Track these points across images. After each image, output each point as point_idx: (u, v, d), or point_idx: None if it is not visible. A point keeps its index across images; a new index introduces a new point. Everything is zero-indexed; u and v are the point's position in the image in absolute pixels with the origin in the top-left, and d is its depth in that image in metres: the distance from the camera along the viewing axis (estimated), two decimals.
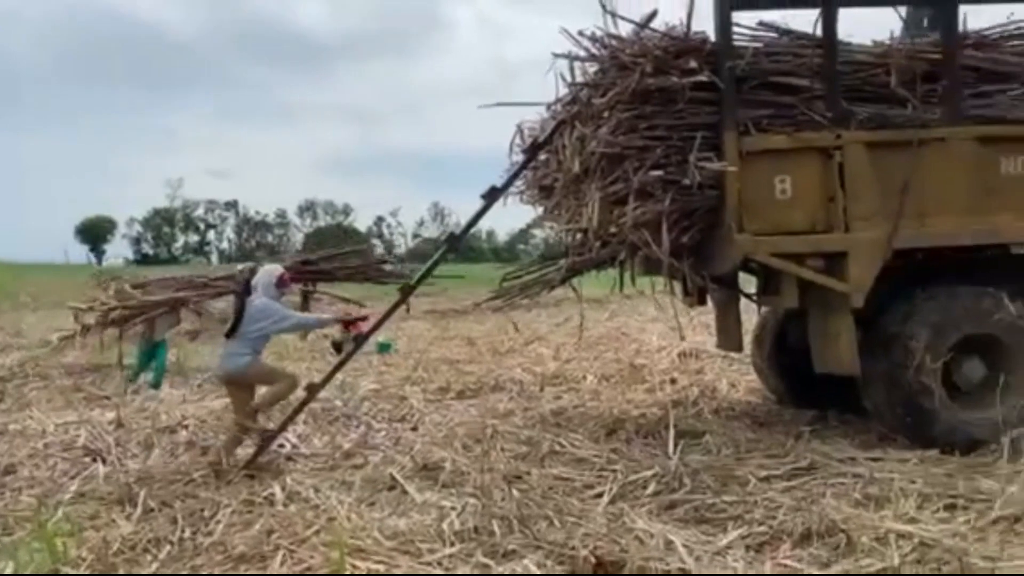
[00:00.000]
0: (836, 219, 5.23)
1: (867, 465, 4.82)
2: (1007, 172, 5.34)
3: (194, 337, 13.61)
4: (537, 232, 6.92)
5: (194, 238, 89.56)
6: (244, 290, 5.81)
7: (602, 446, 5.59)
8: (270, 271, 5.88)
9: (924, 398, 5.15)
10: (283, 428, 5.76)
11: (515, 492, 4.45)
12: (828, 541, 3.74)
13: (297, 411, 5.82)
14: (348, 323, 6.14)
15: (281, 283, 5.81)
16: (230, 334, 5.63)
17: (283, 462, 5.64)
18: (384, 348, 11.36)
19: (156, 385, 8.91)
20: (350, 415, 7.01)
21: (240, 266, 8.90)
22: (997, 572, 3.34)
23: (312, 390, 5.75)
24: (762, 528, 3.95)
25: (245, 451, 5.60)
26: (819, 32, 5.36)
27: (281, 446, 5.90)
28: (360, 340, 6.15)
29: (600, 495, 4.58)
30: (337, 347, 10.83)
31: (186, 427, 6.58)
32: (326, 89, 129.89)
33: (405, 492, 4.79)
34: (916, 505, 4.14)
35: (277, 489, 4.81)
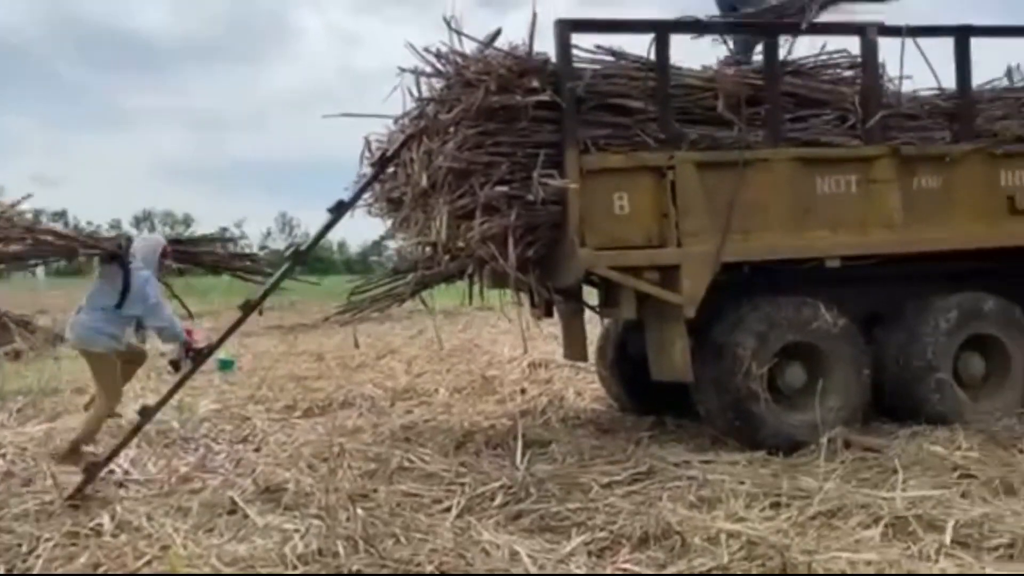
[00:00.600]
0: (670, 234, 5.49)
1: (700, 468, 5.07)
2: (822, 191, 5.78)
3: (16, 357, 12.60)
4: (390, 244, 6.88)
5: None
6: (121, 258, 5.31)
7: (451, 460, 5.60)
8: (152, 241, 5.45)
9: (751, 403, 5.48)
10: (114, 455, 5.42)
11: (361, 511, 4.38)
12: (664, 543, 3.91)
13: (130, 436, 5.50)
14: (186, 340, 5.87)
15: (164, 255, 5.41)
16: (120, 305, 5.18)
17: (113, 490, 5.31)
18: (226, 366, 10.91)
19: None
20: (188, 437, 6.69)
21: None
22: (814, 564, 3.58)
23: (146, 413, 5.45)
24: (603, 533, 4.08)
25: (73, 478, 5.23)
26: (653, 57, 5.62)
27: (111, 472, 5.55)
28: (199, 359, 5.90)
29: (448, 509, 4.59)
30: (175, 365, 10.33)
31: (3, 456, 6.08)
32: (166, 95, 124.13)
33: (246, 516, 4.61)
34: (744, 505, 4.39)
35: (106, 519, 4.52)
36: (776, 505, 4.41)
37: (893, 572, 3.50)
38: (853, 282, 5.98)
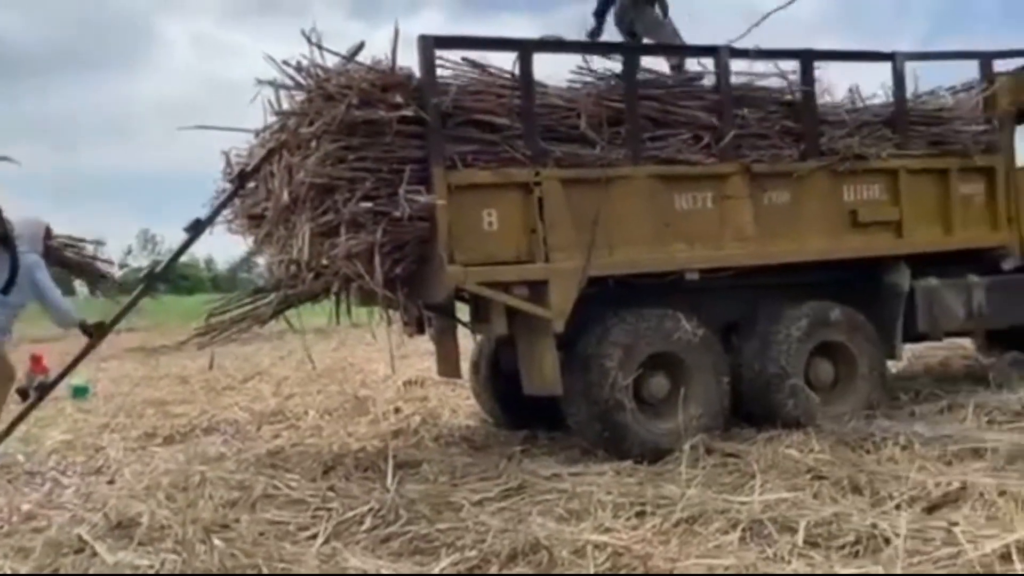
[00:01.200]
0: (538, 250, 5.54)
1: (570, 480, 5.12)
2: (680, 207, 5.99)
3: None
4: (260, 260, 6.64)
5: None
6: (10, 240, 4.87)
7: (319, 484, 5.43)
8: (35, 222, 4.96)
9: (618, 413, 5.59)
10: None
11: (220, 542, 4.18)
12: (532, 559, 3.90)
13: None
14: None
15: (48, 236, 4.95)
16: (6, 290, 4.79)
17: None
18: (80, 392, 10.29)
19: None
20: (34, 472, 6.25)
21: None
22: (676, 571, 3.67)
23: None
24: (473, 553, 4.03)
25: None
26: (518, 74, 5.68)
27: None
28: (47, 387, 5.53)
29: (314, 536, 4.43)
30: (23, 393, 9.66)
31: None
32: (17, 104, 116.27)
33: (95, 553, 4.32)
34: (611, 515, 4.44)
35: None
36: (641, 514, 4.49)
37: (749, 575, 3.62)
38: (712, 293, 6.22)
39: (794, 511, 4.31)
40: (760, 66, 6.40)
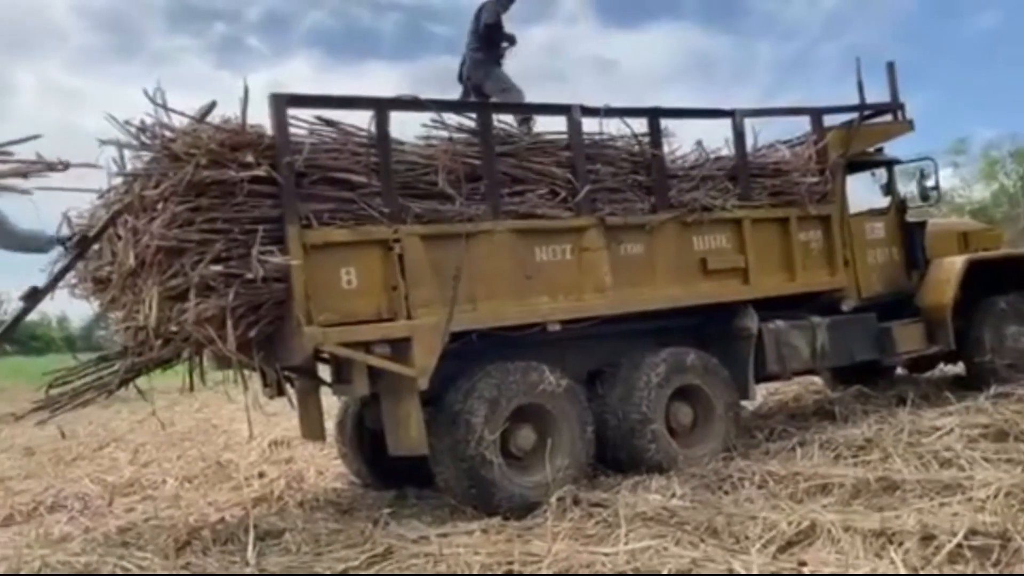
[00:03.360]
0: (399, 307, 5.50)
1: (437, 542, 5.01)
2: (541, 260, 6.10)
3: None
4: (115, 317, 6.23)
5: None
6: None
7: (174, 562, 5.13)
8: None
9: (485, 469, 5.56)
10: None
11: None
12: None
13: None
14: None
15: None
16: None
17: None
18: None
19: None
20: None
21: None
22: None
23: None
24: None
25: None
26: (374, 131, 5.67)
27: None
28: None
29: None
30: None
31: None
32: None
33: None
34: None
35: None
36: (509, 573, 4.46)
37: None
38: (574, 343, 6.34)
39: (656, 559, 4.39)
40: (611, 123, 6.64)
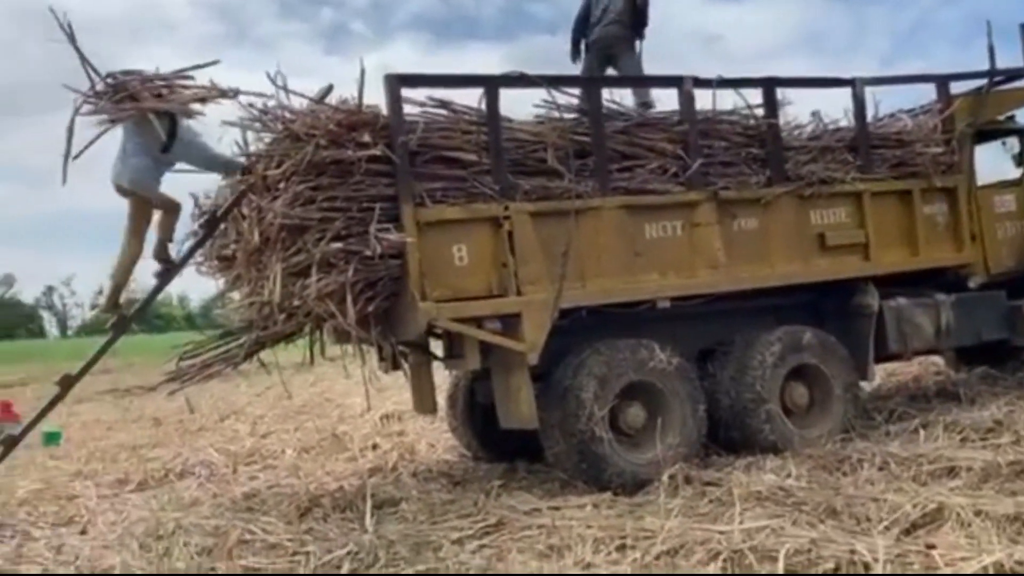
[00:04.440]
0: (509, 283, 5.55)
1: (550, 515, 5.08)
2: (650, 236, 6.04)
3: None
4: (236, 295, 6.58)
5: None
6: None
7: (296, 528, 5.35)
8: None
9: (595, 444, 5.57)
10: None
11: None
12: None
13: None
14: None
15: None
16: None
17: None
18: (52, 439, 10.10)
19: None
20: (3, 524, 6.10)
21: None
22: None
23: None
24: None
25: None
26: (484, 109, 5.72)
27: None
28: (15, 440, 5.44)
29: None
30: None
31: None
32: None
33: None
34: (592, 550, 4.41)
35: None
36: (622, 548, 4.46)
37: None
38: (685, 320, 6.25)
39: (773, 539, 4.30)
40: (724, 96, 6.49)
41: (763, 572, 3.90)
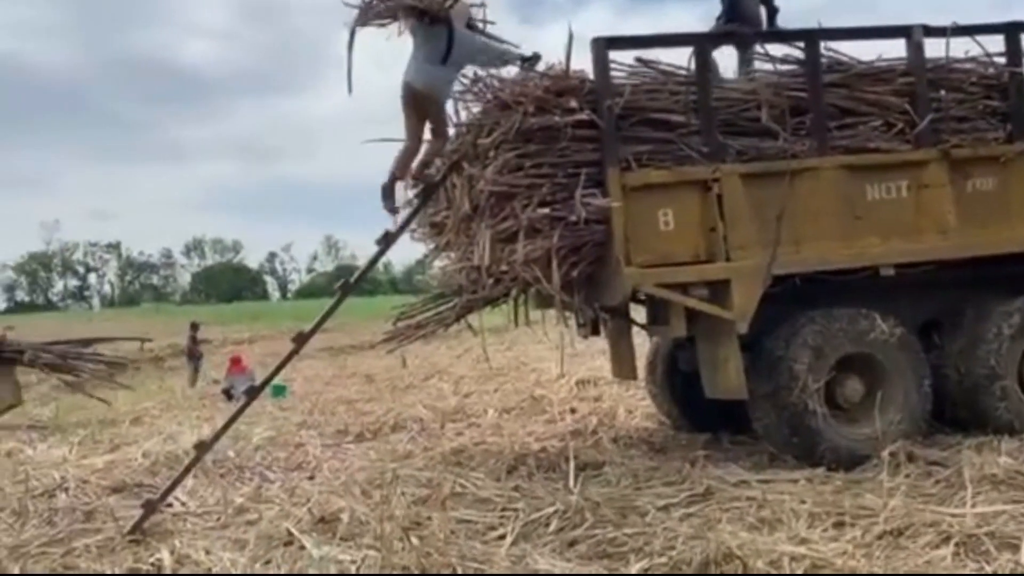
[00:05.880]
0: (718, 249, 5.40)
1: (759, 487, 4.95)
2: (872, 198, 5.65)
3: (75, 389, 12.90)
4: (436, 263, 6.88)
5: (73, 282, 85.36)
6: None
7: (503, 484, 5.55)
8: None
9: (808, 418, 5.34)
10: (172, 488, 5.49)
11: (415, 540, 4.36)
12: (726, 569, 3.81)
13: (186, 471, 5.57)
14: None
15: None
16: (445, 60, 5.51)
17: (172, 523, 5.37)
18: (279, 392, 11.06)
19: None
20: (243, 466, 6.75)
21: None
22: None
23: (203, 447, 5.52)
24: (663, 560, 3.99)
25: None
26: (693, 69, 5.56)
27: (169, 505, 5.62)
28: (256, 389, 5.99)
29: (503, 537, 4.53)
30: (227, 394, 10.50)
31: (65, 490, 6.20)
32: (213, 126, 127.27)
33: (302, 547, 4.60)
34: (807, 525, 4.26)
35: (165, 554, 4.57)
36: (840, 525, 4.28)
37: None
38: (909, 290, 5.82)
39: (1013, 526, 3.99)
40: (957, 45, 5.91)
41: (1003, 560, 3.60)
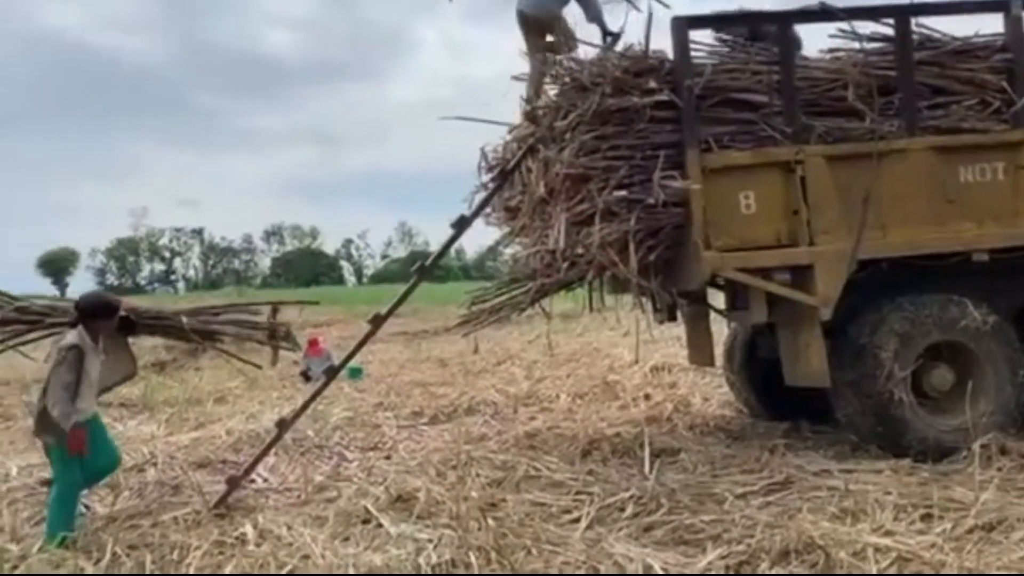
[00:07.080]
0: (801, 232, 5.26)
1: (841, 477, 4.83)
2: (966, 180, 5.42)
3: (161, 368, 13.39)
4: (508, 250, 6.91)
5: (159, 267, 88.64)
6: None
7: (578, 468, 5.54)
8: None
9: (894, 407, 5.18)
10: (254, 465, 5.65)
11: (491, 521, 4.39)
12: (806, 558, 3.72)
13: (268, 447, 5.73)
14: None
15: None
16: None
17: (254, 498, 5.53)
18: (355, 374, 11.24)
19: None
20: (322, 445, 6.90)
21: None
22: None
23: (284, 425, 5.66)
24: (740, 547, 3.93)
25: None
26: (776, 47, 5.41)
27: (252, 481, 5.79)
28: (334, 371, 6.11)
29: (577, 520, 4.53)
30: (305, 376, 10.73)
31: (154, 465, 6.44)
32: (291, 114, 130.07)
33: (380, 525, 4.69)
34: (892, 517, 4.14)
35: (249, 528, 4.70)
36: (927, 517, 4.15)
37: None
38: (1005, 276, 5.57)
39: None
40: None
41: None
